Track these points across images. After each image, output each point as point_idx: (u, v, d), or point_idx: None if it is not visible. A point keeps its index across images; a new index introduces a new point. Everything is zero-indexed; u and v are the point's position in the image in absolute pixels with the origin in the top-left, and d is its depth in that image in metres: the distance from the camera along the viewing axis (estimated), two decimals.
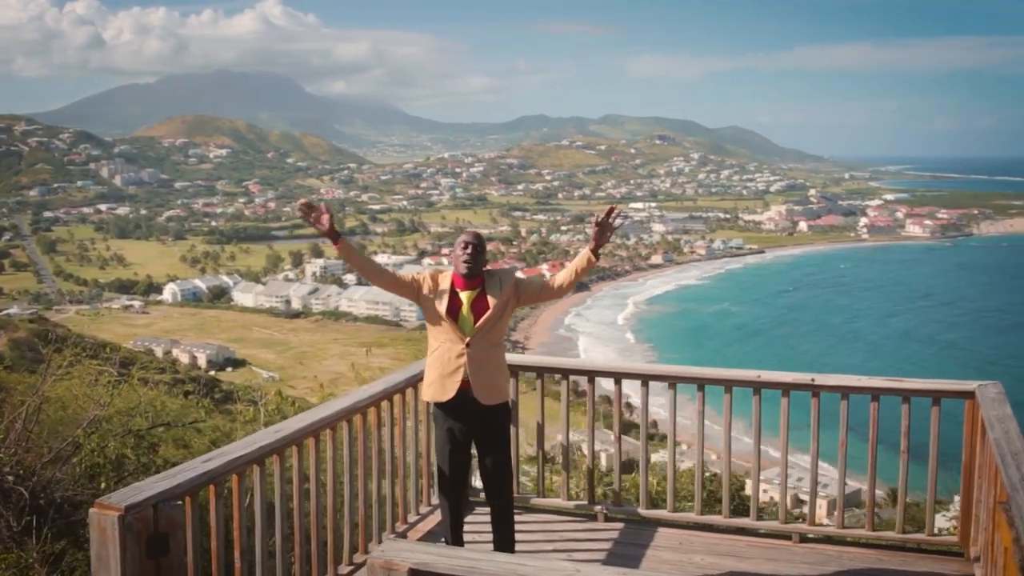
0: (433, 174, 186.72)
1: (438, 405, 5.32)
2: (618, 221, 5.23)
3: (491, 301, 5.19)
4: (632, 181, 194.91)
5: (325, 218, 5.04)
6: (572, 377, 6.65)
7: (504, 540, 5.46)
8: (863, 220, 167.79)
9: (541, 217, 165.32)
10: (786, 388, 6.08)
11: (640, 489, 6.52)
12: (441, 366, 5.25)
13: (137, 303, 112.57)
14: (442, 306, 5.17)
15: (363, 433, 5.53)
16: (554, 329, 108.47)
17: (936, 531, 6.23)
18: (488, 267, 5.30)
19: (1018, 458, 4.48)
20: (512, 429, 5.63)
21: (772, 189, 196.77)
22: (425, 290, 5.24)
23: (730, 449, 6.26)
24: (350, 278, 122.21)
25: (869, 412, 5.96)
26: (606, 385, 6.69)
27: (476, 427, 5.29)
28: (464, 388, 5.21)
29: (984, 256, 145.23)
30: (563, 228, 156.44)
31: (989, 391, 5.66)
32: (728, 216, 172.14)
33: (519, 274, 5.43)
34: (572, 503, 6.65)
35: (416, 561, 3.25)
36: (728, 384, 6.19)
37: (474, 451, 5.47)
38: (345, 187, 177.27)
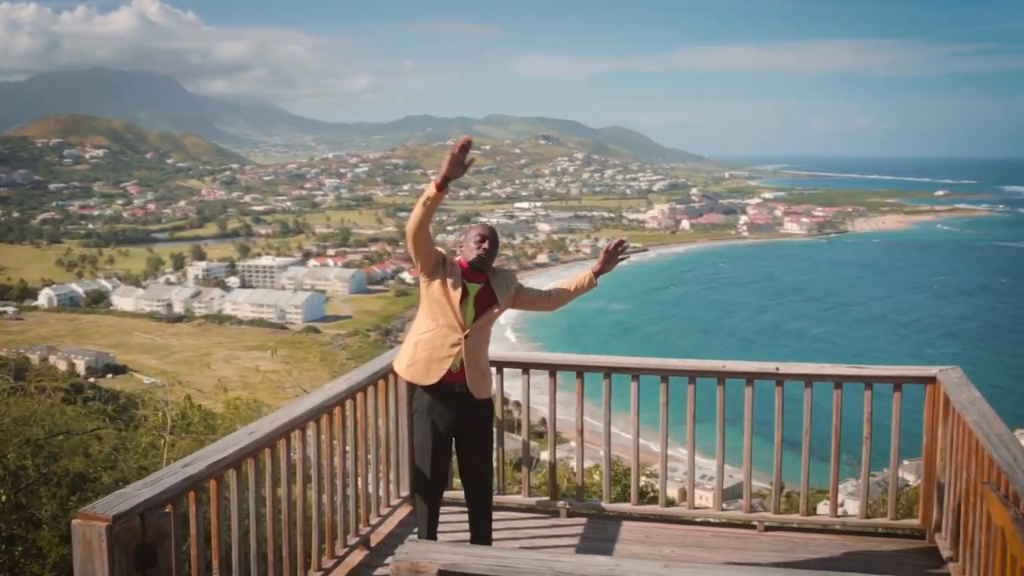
0: (317, 175, 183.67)
1: (423, 395, 5.18)
2: (623, 256, 5.36)
3: (497, 298, 5.15)
4: (517, 181, 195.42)
5: (462, 170, 4.74)
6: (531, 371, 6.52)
7: (483, 541, 5.33)
8: (743, 218, 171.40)
9: None
10: (750, 377, 6.09)
11: (603, 484, 6.46)
12: (431, 350, 5.11)
13: (11, 309, 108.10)
14: (454, 292, 5.04)
15: (328, 434, 5.32)
16: None
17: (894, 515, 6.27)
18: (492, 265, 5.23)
19: (1004, 439, 4.54)
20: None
21: (655, 188, 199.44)
22: (439, 269, 5.08)
23: (694, 443, 6.22)
24: (233, 280, 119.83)
25: (832, 400, 6.02)
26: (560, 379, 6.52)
27: (464, 422, 5.18)
28: (449, 380, 5.10)
29: (857, 252, 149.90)
30: (449, 228, 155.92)
31: (951, 376, 5.74)
32: (612, 215, 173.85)
33: (519, 281, 5.38)
34: (534, 499, 6.54)
35: (445, 562, 3.10)
36: (692, 375, 6.17)
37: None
38: (227, 188, 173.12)
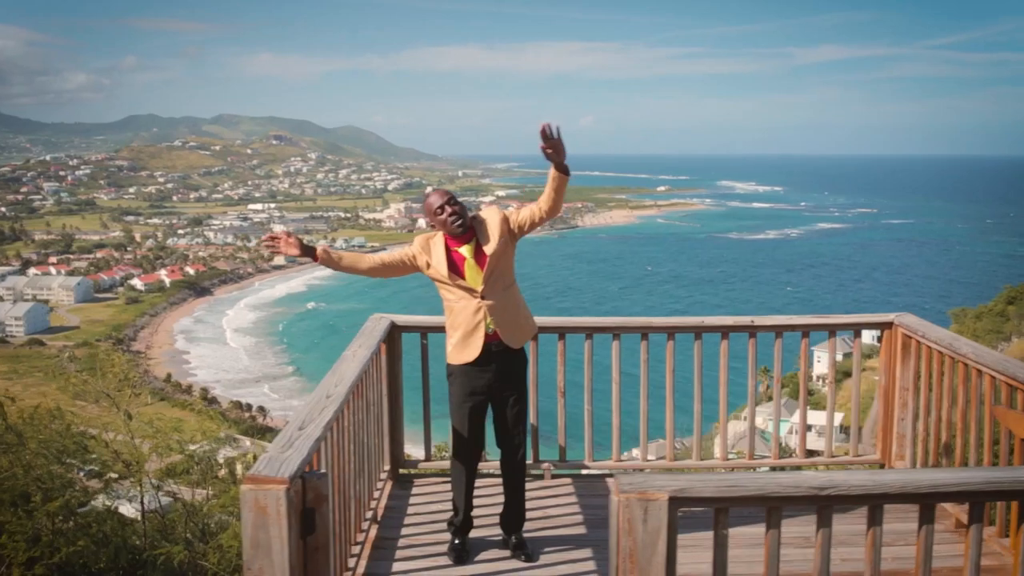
0: (34, 178, 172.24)
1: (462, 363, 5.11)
2: (553, 130, 4.81)
3: (488, 248, 5.04)
4: (250, 182, 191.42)
5: (293, 242, 4.95)
6: None
7: (519, 501, 5.31)
8: None
9: (156, 221, 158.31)
10: (726, 331, 6.37)
11: (585, 442, 6.55)
12: (463, 326, 5.08)
13: None
14: (444, 268, 5.02)
15: (355, 403, 5.13)
16: (175, 335, 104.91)
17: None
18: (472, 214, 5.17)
19: (1013, 363, 4.98)
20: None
21: (390, 187, 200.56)
22: (421, 261, 5.09)
23: (674, 396, 6.41)
24: None
25: (800, 347, 6.41)
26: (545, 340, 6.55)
27: (500, 379, 5.13)
28: (487, 342, 5.06)
29: (583, 246, 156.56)
30: (180, 232, 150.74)
31: (908, 320, 6.23)
32: (349, 215, 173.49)
33: (505, 210, 5.24)
34: None
35: (675, 488, 3.13)
36: (671, 331, 6.36)
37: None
38: None
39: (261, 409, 74.62)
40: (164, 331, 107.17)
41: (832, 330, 6.40)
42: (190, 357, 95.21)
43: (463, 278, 5.03)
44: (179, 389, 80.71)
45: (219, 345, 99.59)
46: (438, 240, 5.08)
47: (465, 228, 5.04)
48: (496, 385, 5.14)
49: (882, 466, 6.47)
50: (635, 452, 6.92)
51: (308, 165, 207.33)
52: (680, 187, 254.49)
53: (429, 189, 5.34)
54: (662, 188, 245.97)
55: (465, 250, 5.05)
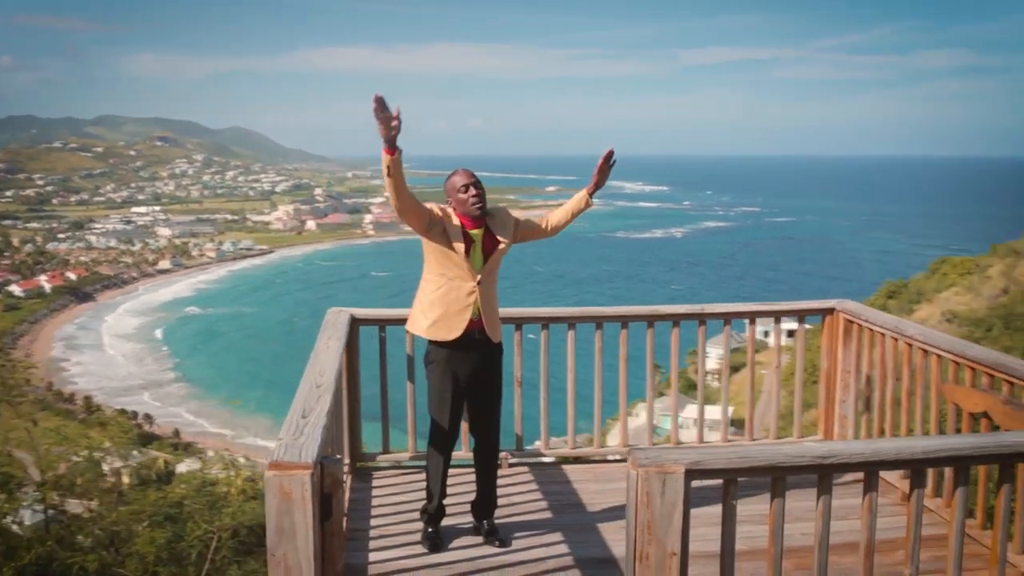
0: None
1: (442, 347, 5.16)
2: (613, 160, 5.37)
3: (501, 239, 5.21)
4: (134, 184, 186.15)
5: (396, 125, 4.56)
6: None
7: (492, 491, 5.43)
8: (368, 217, 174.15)
9: (35, 225, 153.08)
10: (677, 319, 6.57)
11: (541, 431, 6.67)
12: (448, 304, 5.13)
13: None
14: (458, 243, 5.07)
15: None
16: (56, 342, 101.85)
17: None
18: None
19: (956, 343, 5.29)
20: None
21: (278, 189, 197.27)
22: (439, 225, 5.09)
23: (627, 384, 6.59)
24: None
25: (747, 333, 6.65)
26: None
27: (481, 369, 5.22)
28: (470, 328, 5.14)
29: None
30: (60, 236, 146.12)
31: (848, 305, 6.55)
32: (236, 217, 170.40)
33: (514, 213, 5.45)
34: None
35: (690, 460, 3.29)
36: (624, 320, 6.55)
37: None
38: None
39: (147, 416, 72.84)
40: (45, 338, 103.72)
41: (777, 316, 6.66)
42: (71, 364, 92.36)
43: (468, 258, 5.10)
44: (61, 398, 78.22)
45: (100, 352, 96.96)
46: (452, 214, 5.14)
47: (484, 212, 5.16)
48: (478, 376, 5.23)
49: None
50: (537, 443, 6.99)
51: (194, 167, 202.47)
52: (569, 187, 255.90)
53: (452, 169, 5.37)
54: (551, 188, 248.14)
55: (475, 234, 5.15)
